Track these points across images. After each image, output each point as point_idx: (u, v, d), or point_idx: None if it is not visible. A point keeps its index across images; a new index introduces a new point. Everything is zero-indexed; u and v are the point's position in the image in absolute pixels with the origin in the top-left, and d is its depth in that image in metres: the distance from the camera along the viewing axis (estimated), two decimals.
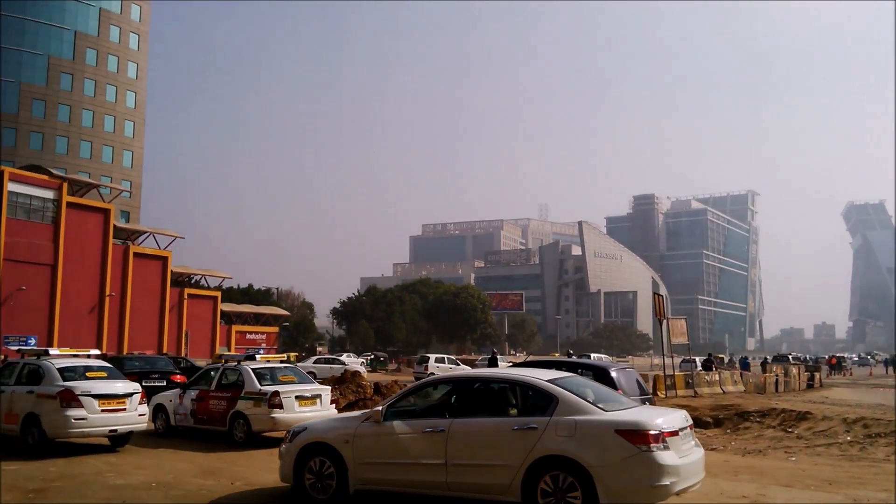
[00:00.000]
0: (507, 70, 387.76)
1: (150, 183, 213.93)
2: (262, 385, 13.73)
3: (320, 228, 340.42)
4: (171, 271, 65.16)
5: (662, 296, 30.87)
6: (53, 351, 14.63)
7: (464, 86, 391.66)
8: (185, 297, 66.96)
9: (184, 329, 65.71)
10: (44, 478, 10.06)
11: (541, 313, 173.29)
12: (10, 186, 50.97)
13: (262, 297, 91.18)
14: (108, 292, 57.29)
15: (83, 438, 12.87)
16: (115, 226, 59.45)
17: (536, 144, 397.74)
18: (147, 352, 53.03)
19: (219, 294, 73.14)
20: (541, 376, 8.11)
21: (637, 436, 7.03)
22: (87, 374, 13.19)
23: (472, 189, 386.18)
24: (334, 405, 15.28)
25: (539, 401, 7.69)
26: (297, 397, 13.71)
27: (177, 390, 15.52)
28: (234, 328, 75.23)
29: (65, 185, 55.19)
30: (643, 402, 12.12)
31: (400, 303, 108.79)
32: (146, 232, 66.04)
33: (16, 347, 38.46)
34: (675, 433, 7.30)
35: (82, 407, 12.14)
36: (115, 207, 62.99)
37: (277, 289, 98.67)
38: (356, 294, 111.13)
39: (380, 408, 8.46)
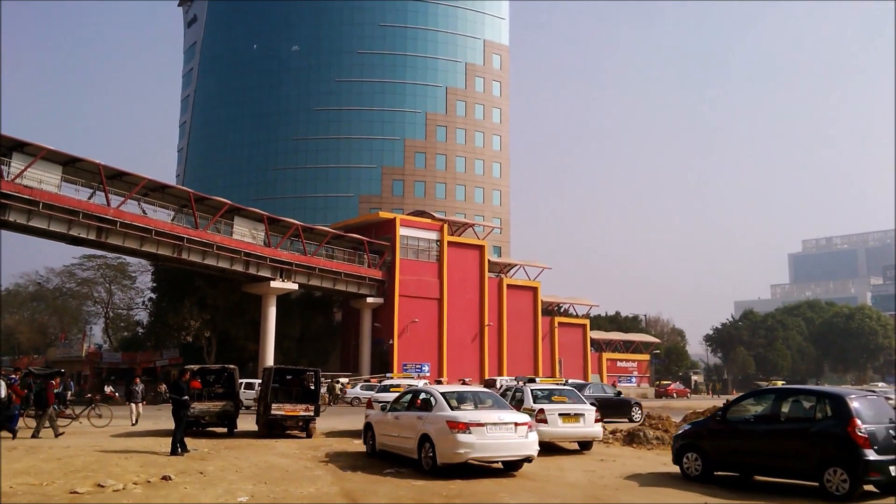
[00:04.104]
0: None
1: (517, 217, 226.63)
2: (535, 403, 16.59)
3: (685, 250, 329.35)
4: (541, 301, 67.37)
5: None
6: (389, 375, 27.34)
7: (844, 78, 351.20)
8: (556, 325, 68.62)
9: (556, 357, 67.25)
10: (446, 493, 10.82)
11: None
12: (402, 231, 57.74)
13: (630, 324, 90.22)
14: (486, 322, 61.09)
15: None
16: (489, 260, 63.53)
17: None
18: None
19: (587, 322, 73.71)
20: (443, 389, 13.99)
21: (452, 424, 12.10)
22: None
23: (862, 194, 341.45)
24: (599, 423, 16.78)
25: (433, 403, 13.22)
26: (560, 414, 16.23)
27: None
28: (605, 356, 75.16)
29: (445, 227, 60.69)
30: (887, 430, 10.21)
31: (782, 328, 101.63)
32: (517, 265, 69.39)
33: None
34: (481, 425, 12.11)
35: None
36: (488, 243, 67.29)
37: (645, 315, 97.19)
38: (731, 319, 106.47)
39: (384, 404, 16.38)
